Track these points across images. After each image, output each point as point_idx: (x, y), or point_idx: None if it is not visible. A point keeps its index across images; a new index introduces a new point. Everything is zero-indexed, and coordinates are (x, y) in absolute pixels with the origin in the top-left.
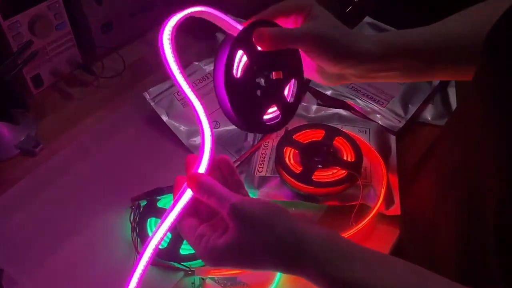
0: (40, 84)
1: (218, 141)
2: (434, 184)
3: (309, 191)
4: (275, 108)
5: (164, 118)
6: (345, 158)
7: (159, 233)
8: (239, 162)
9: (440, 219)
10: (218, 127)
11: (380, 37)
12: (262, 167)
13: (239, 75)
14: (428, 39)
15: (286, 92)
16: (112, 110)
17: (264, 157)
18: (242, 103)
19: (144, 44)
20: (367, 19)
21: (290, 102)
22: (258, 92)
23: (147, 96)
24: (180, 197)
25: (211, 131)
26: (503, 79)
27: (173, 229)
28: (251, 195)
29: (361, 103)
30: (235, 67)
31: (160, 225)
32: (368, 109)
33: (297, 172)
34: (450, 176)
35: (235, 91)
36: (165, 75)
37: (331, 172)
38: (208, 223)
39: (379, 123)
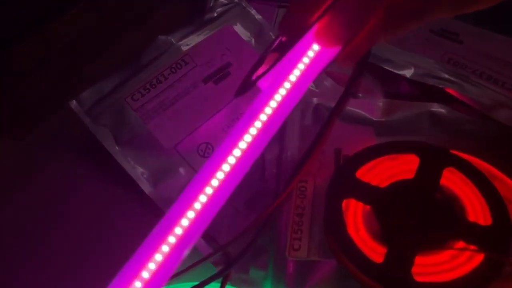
0: None
1: None
2: None
3: None
4: None
5: (111, 148)
6: (471, 219)
7: None
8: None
9: None
10: (210, 154)
11: None
12: (299, 240)
13: None
14: None
15: None
16: (25, 133)
17: (301, 216)
18: None
19: (83, 10)
20: None
21: None
22: None
23: (77, 107)
24: None
25: None
26: None
27: None
28: None
29: (473, 89)
30: None
31: None
32: (488, 101)
33: (378, 261)
34: None
35: None
36: (115, 60)
37: (449, 256)
38: None
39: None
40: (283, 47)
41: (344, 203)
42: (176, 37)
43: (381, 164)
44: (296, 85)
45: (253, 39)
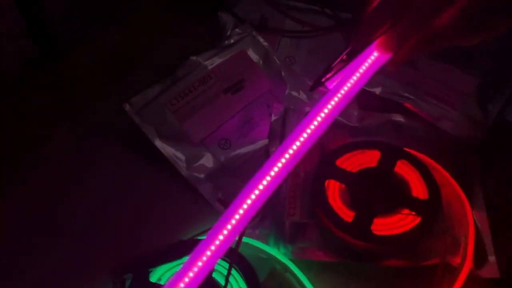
0: None
1: (228, 168)
2: None
3: (366, 247)
4: None
5: (155, 141)
6: (414, 195)
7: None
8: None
9: None
10: (228, 148)
11: None
12: (295, 208)
13: None
14: None
15: None
16: (82, 127)
17: (295, 192)
18: None
19: (119, 27)
20: None
21: None
22: None
23: (129, 109)
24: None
25: None
26: None
27: None
28: (279, 256)
29: (424, 105)
30: None
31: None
32: (435, 114)
33: (349, 221)
34: None
35: None
36: (152, 71)
37: (397, 219)
38: None
39: (452, 135)
40: (350, 56)
41: (326, 182)
42: (203, 58)
43: (353, 156)
44: (360, 77)
45: (261, 61)
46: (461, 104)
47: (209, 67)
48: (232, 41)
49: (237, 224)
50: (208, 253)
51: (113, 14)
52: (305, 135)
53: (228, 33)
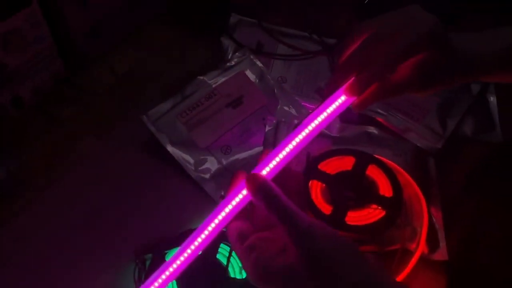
0: (19, 105)
1: (229, 170)
2: (491, 222)
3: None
4: None
5: (168, 146)
6: (381, 193)
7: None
8: None
9: (498, 266)
10: (229, 153)
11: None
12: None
13: None
14: None
15: None
16: (105, 134)
17: None
18: None
19: (135, 48)
20: None
21: None
22: None
23: (146, 120)
24: (235, 194)
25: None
26: None
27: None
28: None
29: (393, 119)
30: None
31: (208, 223)
32: (402, 127)
33: (327, 213)
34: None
35: None
36: (164, 86)
37: (367, 212)
38: (261, 234)
39: (415, 144)
40: (323, 96)
41: (310, 182)
42: (208, 77)
43: (333, 161)
44: (327, 117)
45: (257, 80)
46: (424, 118)
47: (213, 85)
48: (233, 63)
49: (230, 212)
50: (206, 232)
51: (130, 38)
52: (277, 159)
53: (229, 56)
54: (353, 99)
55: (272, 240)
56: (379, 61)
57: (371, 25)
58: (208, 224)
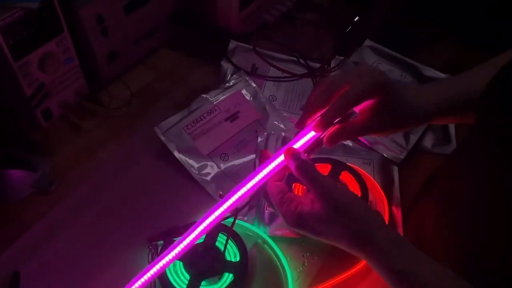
0: (49, 117)
1: (226, 174)
2: (437, 217)
3: None
4: None
5: (175, 153)
6: None
7: (244, 189)
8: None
9: (441, 258)
10: (227, 160)
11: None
12: None
13: None
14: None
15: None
16: (122, 142)
17: None
18: None
19: (147, 69)
20: (367, 42)
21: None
22: None
23: (158, 131)
24: (270, 162)
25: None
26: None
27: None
28: (261, 233)
29: None
30: None
31: (249, 180)
32: (372, 140)
33: None
34: (453, 209)
35: None
36: (172, 102)
37: None
38: (293, 194)
39: (383, 155)
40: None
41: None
42: (210, 95)
43: None
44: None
45: (251, 98)
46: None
47: (215, 102)
48: (231, 83)
49: (228, 206)
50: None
51: (143, 61)
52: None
53: (228, 78)
54: (320, 134)
55: (302, 196)
56: (338, 101)
57: (331, 77)
58: (253, 178)
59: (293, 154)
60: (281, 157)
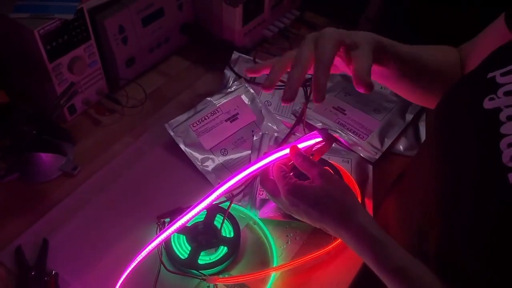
0: (73, 112)
1: (225, 166)
2: (396, 211)
3: None
4: None
5: (182, 146)
6: None
7: (260, 163)
8: (243, 186)
9: (404, 238)
10: (226, 154)
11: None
12: (263, 191)
13: None
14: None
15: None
16: (136, 136)
17: None
18: None
19: (160, 74)
20: None
21: None
22: None
23: (168, 127)
24: (277, 151)
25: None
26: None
27: (194, 238)
28: (252, 215)
29: (345, 136)
30: None
31: (264, 157)
32: (351, 142)
33: None
34: (410, 205)
35: None
36: (181, 103)
37: None
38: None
39: (360, 155)
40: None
41: None
42: (214, 99)
43: None
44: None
45: (249, 102)
46: (368, 137)
47: (217, 105)
48: (232, 89)
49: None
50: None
51: (156, 66)
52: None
53: (230, 84)
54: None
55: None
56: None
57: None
58: (264, 158)
59: (296, 147)
60: (274, 156)
